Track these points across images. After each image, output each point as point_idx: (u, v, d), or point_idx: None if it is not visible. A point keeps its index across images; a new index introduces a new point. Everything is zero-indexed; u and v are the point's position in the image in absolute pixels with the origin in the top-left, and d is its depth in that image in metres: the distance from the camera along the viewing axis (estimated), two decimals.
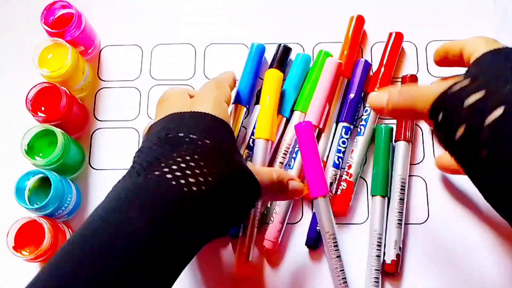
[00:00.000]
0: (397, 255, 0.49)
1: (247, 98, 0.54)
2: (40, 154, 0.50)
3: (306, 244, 0.50)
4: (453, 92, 0.34)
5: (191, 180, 0.36)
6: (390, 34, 0.56)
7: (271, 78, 0.52)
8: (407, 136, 0.52)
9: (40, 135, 0.50)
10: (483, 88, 0.32)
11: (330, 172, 0.51)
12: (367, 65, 0.55)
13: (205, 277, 0.50)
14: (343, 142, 0.52)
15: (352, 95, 0.53)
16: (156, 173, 0.35)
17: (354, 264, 0.50)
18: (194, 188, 0.35)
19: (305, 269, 0.50)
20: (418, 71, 0.57)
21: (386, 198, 0.50)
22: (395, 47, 0.56)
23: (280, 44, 0.55)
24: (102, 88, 0.57)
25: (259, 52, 0.55)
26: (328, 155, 0.53)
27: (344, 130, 0.52)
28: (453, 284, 0.49)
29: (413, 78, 0.54)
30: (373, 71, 0.55)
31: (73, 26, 0.53)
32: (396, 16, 0.59)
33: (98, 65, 0.58)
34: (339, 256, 0.47)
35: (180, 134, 0.38)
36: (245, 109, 0.54)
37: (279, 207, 0.50)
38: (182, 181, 0.35)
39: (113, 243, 0.32)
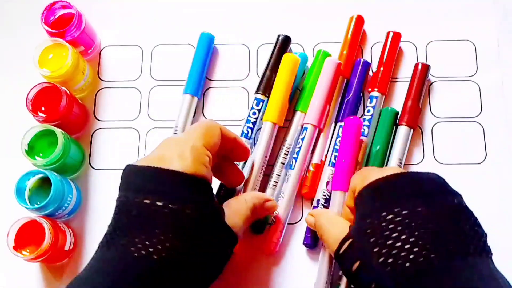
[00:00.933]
0: None
1: (197, 87, 0.55)
2: (41, 154, 0.50)
3: (304, 243, 0.50)
4: (341, 254, 0.39)
5: (170, 252, 0.36)
6: (388, 33, 0.56)
7: (286, 63, 0.53)
8: (409, 121, 0.52)
9: (41, 135, 0.50)
10: (358, 259, 0.37)
11: (327, 171, 0.51)
12: (366, 65, 0.55)
13: None
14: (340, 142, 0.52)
15: (351, 95, 0.53)
16: (132, 248, 0.36)
17: None
18: (174, 257, 0.36)
19: (304, 268, 0.50)
20: None
21: None
22: (393, 46, 0.56)
23: (279, 35, 0.56)
24: (102, 88, 0.58)
25: (207, 41, 0.56)
26: (326, 155, 0.53)
27: (341, 129, 0.52)
28: None
29: (426, 67, 0.54)
30: (373, 71, 0.56)
31: (74, 26, 0.53)
32: (396, 16, 0.59)
33: (98, 65, 0.58)
34: None
35: (159, 203, 0.37)
36: (196, 98, 0.55)
37: (280, 208, 0.50)
38: (163, 254, 0.36)
39: None
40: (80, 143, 0.55)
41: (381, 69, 0.55)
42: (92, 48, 0.58)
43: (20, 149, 0.49)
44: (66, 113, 0.51)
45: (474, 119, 0.55)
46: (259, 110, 0.53)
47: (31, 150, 0.50)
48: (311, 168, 0.52)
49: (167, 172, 0.38)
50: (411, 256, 0.34)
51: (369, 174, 0.40)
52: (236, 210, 0.43)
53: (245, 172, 0.50)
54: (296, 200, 0.52)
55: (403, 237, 0.35)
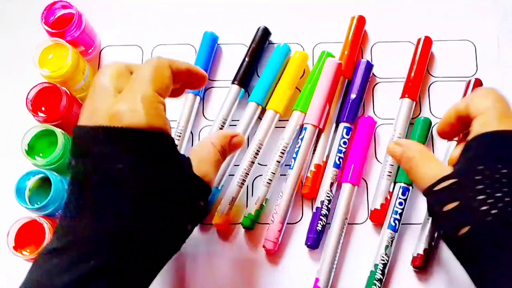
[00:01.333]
0: (425, 250, 0.49)
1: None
2: (41, 154, 0.50)
3: (306, 243, 0.50)
4: (437, 191, 0.38)
5: (140, 214, 0.35)
6: (419, 40, 0.55)
7: (294, 57, 0.55)
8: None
9: (41, 135, 0.50)
10: (456, 200, 0.37)
11: (330, 172, 0.51)
12: (369, 66, 0.55)
13: (202, 277, 0.50)
14: (344, 143, 0.52)
15: (353, 96, 0.53)
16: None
17: (353, 263, 0.50)
18: (146, 218, 0.35)
19: (305, 268, 0.50)
20: None
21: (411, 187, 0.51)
22: (425, 51, 0.55)
23: (259, 27, 0.56)
24: None
25: (211, 40, 0.57)
26: (328, 155, 0.53)
27: (345, 130, 0.53)
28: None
29: (479, 82, 0.54)
30: (406, 76, 0.55)
31: (74, 26, 0.53)
32: (396, 16, 0.59)
33: (98, 65, 0.58)
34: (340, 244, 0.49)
35: (119, 166, 0.35)
36: (199, 98, 0.55)
37: (279, 207, 0.50)
38: (135, 217, 0.35)
39: None
40: None
41: (412, 75, 0.54)
42: (92, 48, 0.58)
43: (20, 149, 0.49)
44: (66, 113, 0.51)
45: None
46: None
47: (31, 150, 0.50)
48: (312, 168, 0.52)
49: (120, 131, 0.35)
50: (503, 216, 0.35)
51: (491, 120, 0.38)
52: (204, 157, 0.41)
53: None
54: (296, 200, 0.52)
55: None
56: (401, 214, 0.50)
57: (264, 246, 0.50)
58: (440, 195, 0.38)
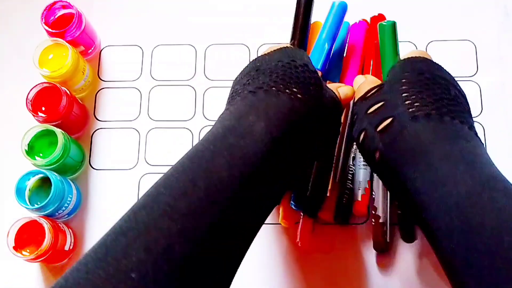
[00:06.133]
0: None
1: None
2: (41, 154, 0.50)
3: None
4: (366, 97, 0.42)
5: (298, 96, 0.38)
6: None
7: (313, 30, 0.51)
8: None
9: (41, 135, 0.50)
10: (383, 100, 0.40)
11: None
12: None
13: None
14: None
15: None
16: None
17: (353, 264, 0.50)
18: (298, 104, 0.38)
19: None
20: None
21: None
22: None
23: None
24: (102, 88, 0.58)
25: (340, 11, 0.51)
26: None
27: None
28: None
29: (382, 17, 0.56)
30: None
31: (74, 26, 0.53)
32: (396, 15, 0.59)
33: (98, 65, 0.58)
34: None
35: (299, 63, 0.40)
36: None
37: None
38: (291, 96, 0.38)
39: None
40: (80, 143, 0.55)
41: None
42: (92, 48, 0.58)
43: (20, 149, 0.49)
44: (66, 113, 0.51)
45: (474, 119, 0.55)
46: None
47: (31, 150, 0.50)
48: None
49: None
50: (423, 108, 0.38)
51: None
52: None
53: None
54: None
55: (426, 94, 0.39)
56: None
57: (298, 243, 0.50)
58: (368, 101, 0.41)
